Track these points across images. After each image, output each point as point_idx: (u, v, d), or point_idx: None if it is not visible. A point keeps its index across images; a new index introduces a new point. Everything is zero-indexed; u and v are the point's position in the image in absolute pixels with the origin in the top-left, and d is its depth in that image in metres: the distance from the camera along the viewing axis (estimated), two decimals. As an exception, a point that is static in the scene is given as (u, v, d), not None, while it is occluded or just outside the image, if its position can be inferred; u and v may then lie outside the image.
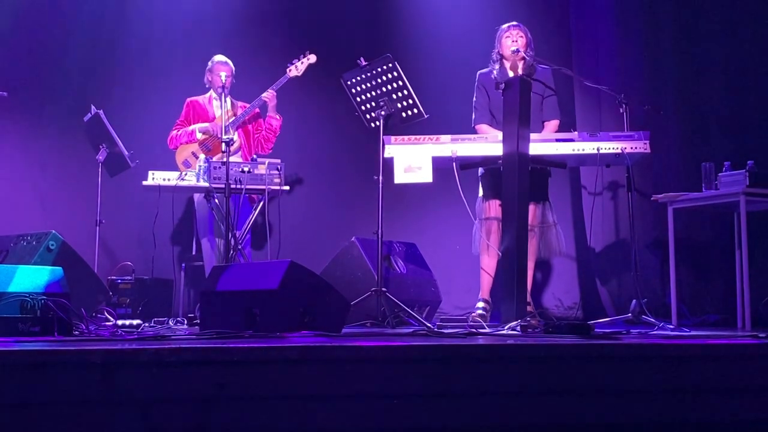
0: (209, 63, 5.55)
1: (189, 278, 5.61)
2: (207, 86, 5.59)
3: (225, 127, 4.99)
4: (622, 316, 4.22)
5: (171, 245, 5.79)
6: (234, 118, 5.43)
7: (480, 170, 4.75)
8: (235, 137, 5.35)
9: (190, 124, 5.45)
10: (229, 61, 5.53)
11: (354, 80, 4.52)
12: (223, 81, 5.11)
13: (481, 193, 4.79)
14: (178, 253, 5.81)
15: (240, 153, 5.44)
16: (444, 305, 5.42)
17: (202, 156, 5.20)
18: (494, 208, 4.64)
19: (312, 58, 5.41)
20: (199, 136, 5.37)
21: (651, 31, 5.86)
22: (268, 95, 5.39)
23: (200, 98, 5.57)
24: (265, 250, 5.29)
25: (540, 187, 4.66)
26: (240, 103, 5.57)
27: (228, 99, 5.37)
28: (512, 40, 4.74)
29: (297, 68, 5.40)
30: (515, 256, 3.92)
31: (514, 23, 4.82)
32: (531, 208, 4.48)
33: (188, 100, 5.55)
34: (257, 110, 5.53)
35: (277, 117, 5.51)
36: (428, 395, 2.39)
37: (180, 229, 5.78)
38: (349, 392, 2.33)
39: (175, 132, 5.48)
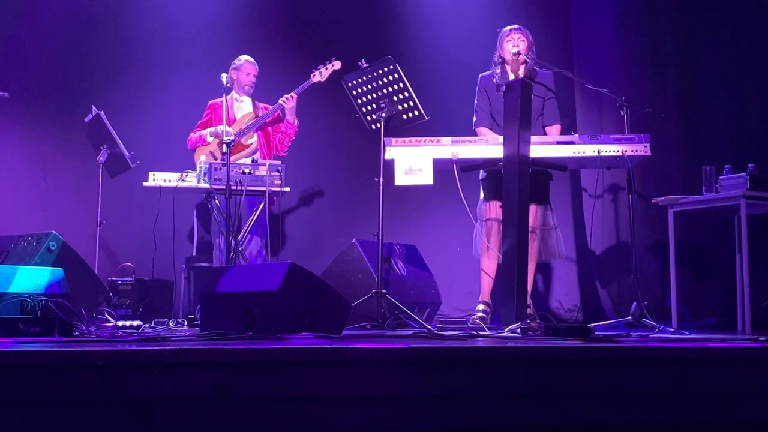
0: (236, 61, 5.55)
1: (189, 279, 5.61)
2: (229, 85, 5.41)
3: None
4: (623, 318, 4.22)
5: (171, 246, 5.78)
6: (254, 119, 5.44)
7: (481, 174, 4.75)
8: (254, 138, 5.39)
9: (210, 125, 5.47)
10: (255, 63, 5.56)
11: (355, 82, 4.52)
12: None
13: (482, 195, 4.79)
14: (179, 254, 5.80)
15: (258, 153, 5.45)
16: (444, 307, 5.41)
17: (202, 157, 5.23)
18: (494, 209, 4.64)
19: (337, 65, 5.35)
20: (209, 139, 5.40)
21: (652, 33, 5.86)
22: (286, 99, 5.35)
23: (220, 100, 5.53)
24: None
25: (541, 189, 4.66)
26: (261, 105, 5.58)
27: (250, 100, 5.39)
28: (513, 44, 4.73)
29: (321, 74, 5.35)
30: (516, 259, 3.91)
31: (516, 26, 4.81)
32: (532, 209, 4.47)
33: (210, 102, 5.55)
34: (279, 112, 5.52)
35: (293, 122, 5.46)
36: (428, 397, 2.39)
37: (181, 230, 5.77)
38: (349, 394, 2.33)
39: (193, 134, 5.52)
